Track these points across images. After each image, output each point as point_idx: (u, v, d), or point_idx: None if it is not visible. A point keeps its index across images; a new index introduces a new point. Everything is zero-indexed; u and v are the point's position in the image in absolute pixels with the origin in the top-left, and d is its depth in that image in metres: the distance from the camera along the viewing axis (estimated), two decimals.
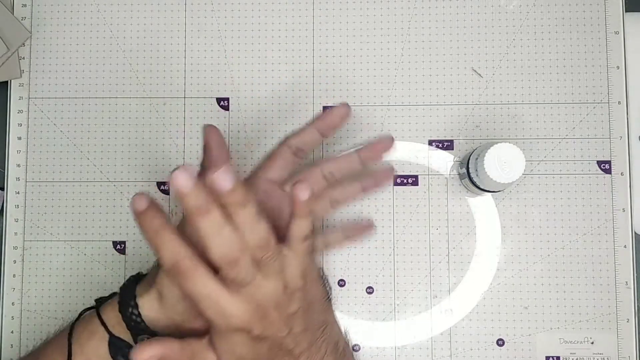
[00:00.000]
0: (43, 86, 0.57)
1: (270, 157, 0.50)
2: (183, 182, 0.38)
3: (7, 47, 0.56)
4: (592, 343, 0.53)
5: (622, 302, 0.53)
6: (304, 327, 0.44)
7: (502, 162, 0.47)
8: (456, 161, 0.55)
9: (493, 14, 0.57)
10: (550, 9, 0.56)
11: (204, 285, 0.40)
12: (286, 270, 0.42)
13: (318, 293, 0.47)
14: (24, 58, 0.57)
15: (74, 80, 0.57)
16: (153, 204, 0.40)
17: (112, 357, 0.44)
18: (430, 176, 0.55)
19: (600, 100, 0.55)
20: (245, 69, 0.57)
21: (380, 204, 0.55)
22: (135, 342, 0.44)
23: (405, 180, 0.55)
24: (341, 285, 0.54)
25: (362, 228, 0.54)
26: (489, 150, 0.47)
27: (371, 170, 0.52)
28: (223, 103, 0.56)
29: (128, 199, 0.56)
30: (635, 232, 0.54)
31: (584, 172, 0.55)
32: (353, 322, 0.54)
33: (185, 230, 0.41)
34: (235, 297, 0.41)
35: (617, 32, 0.56)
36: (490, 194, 0.54)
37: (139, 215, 0.40)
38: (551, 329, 0.54)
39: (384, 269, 0.54)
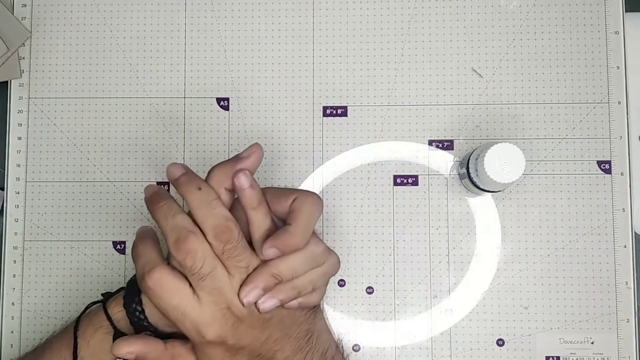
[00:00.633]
0: (43, 86, 0.57)
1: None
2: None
3: (7, 47, 0.56)
4: (592, 343, 0.53)
5: (622, 302, 0.53)
6: (283, 334, 0.43)
7: (502, 162, 0.47)
8: (456, 161, 0.55)
9: (493, 14, 0.56)
10: (550, 9, 0.56)
11: (172, 295, 0.40)
12: (252, 269, 0.42)
13: None
14: (24, 58, 0.57)
15: (74, 80, 0.57)
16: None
17: None
18: (430, 176, 0.55)
19: (600, 100, 0.55)
20: (245, 69, 0.57)
21: (380, 204, 0.55)
22: None
23: (405, 180, 0.55)
24: (341, 285, 0.54)
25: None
26: (489, 150, 0.47)
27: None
28: (223, 103, 0.56)
29: (128, 199, 0.56)
30: (635, 232, 0.54)
31: (584, 172, 0.55)
32: (353, 322, 0.54)
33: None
34: (202, 304, 0.40)
35: (617, 32, 0.56)
36: (490, 194, 0.54)
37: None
38: (551, 329, 0.53)
39: (384, 269, 0.54)
